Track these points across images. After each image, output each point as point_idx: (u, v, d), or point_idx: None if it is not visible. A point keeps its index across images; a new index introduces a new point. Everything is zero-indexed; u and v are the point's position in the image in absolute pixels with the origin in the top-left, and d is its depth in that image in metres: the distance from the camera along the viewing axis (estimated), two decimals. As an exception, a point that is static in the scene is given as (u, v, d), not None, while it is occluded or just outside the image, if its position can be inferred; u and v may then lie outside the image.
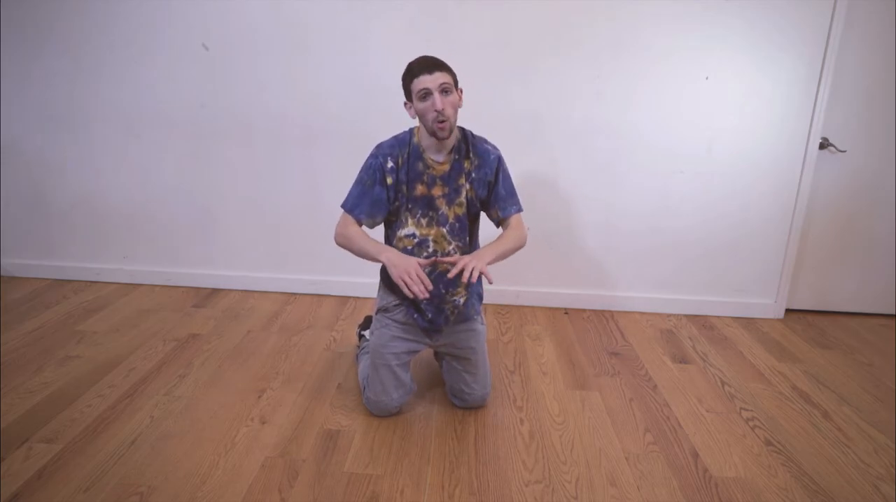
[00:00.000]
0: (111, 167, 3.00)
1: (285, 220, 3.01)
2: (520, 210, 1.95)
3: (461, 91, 1.81)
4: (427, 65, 1.72)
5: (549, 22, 2.66)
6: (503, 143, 2.78)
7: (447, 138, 1.78)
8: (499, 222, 1.95)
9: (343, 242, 1.86)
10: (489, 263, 1.76)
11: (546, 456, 1.83)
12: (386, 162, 1.83)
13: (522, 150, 2.83)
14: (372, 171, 1.84)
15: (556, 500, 1.64)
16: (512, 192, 1.93)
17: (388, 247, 1.81)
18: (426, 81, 1.71)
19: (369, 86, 2.78)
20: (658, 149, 2.81)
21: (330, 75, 2.78)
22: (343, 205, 1.88)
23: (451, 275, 1.71)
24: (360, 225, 1.88)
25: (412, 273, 1.70)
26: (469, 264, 1.70)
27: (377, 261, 1.80)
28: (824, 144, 2.82)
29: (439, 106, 1.70)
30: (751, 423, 2.05)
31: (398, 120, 2.71)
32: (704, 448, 1.90)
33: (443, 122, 1.73)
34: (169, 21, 2.76)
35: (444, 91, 1.72)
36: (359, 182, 1.86)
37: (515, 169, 2.85)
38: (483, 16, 2.66)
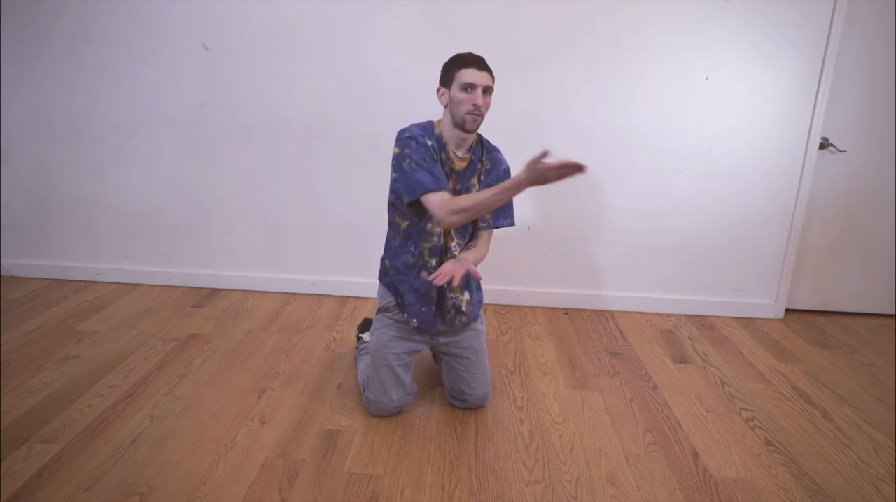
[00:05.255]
0: (111, 167, 3.00)
1: (285, 220, 3.01)
2: (512, 224, 2.00)
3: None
4: (479, 60, 1.77)
5: (549, 22, 2.66)
6: (503, 143, 2.78)
7: (473, 132, 1.81)
8: (481, 228, 1.96)
9: (464, 216, 1.66)
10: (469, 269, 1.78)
11: (546, 456, 1.83)
12: (426, 140, 1.77)
13: (522, 150, 2.83)
14: (425, 149, 1.75)
15: (556, 500, 1.64)
16: (510, 205, 1.97)
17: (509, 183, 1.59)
18: (475, 76, 1.74)
19: (369, 86, 2.78)
20: (658, 149, 2.81)
21: (330, 75, 2.78)
22: (421, 191, 1.71)
23: (436, 281, 1.69)
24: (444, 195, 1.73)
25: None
26: (451, 270, 1.71)
27: (517, 191, 1.56)
28: (824, 144, 2.82)
29: (479, 101, 1.74)
30: (751, 423, 2.05)
31: (398, 120, 2.71)
32: (704, 448, 1.90)
33: (477, 115, 1.77)
34: (169, 21, 2.76)
35: (486, 92, 1.77)
36: (419, 162, 1.73)
37: (515, 169, 2.84)
38: (483, 16, 2.66)
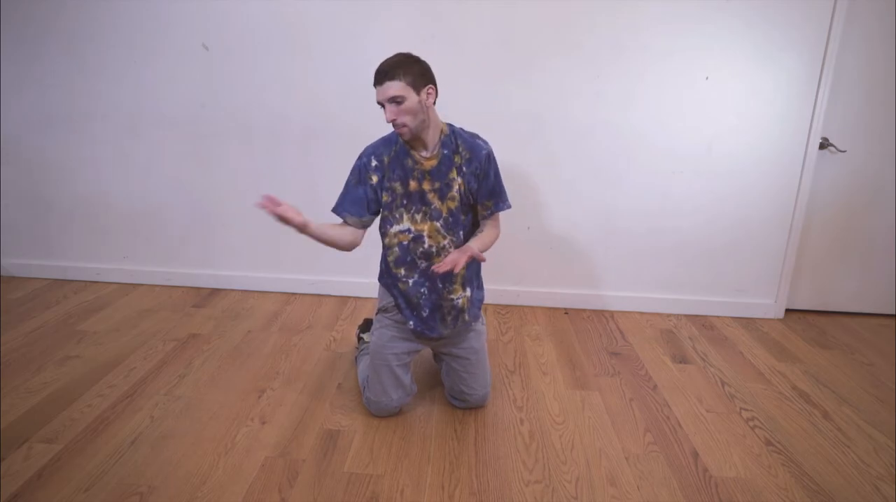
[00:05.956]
0: (111, 167, 3.00)
1: (285, 220, 3.01)
2: (509, 207, 1.98)
3: (431, 88, 1.77)
4: (379, 75, 1.72)
5: (549, 22, 2.66)
6: (503, 143, 2.79)
7: (408, 139, 1.81)
8: (485, 216, 1.96)
9: None
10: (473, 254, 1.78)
11: (546, 456, 1.83)
12: (370, 161, 1.86)
13: (522, 150, 2.83)
14: (356, 172, 1.89)
15: (556, 500, 1.64)
16: (502, 188, 1.95)
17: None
18: (378, 94, 1.73)
19: (369, 86, 2.78)
20: (658, 149, 2.81)
21: (330, 75, 2.78)
22: (334, 206, 1.93)
23: (438, 270, 1.70)
24: (346, 223, 1.90)
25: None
26: (454, 259, 1.72)
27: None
28: (824, 144, 2.82)
29: (389, 117, 1.73)
30: (751, 423, 2.05)
31: (398, 120, 2.71)
32: (704, 448, 1.90)
33: (399, 128, 1.76)
34: (169, 21, 2.76)
35: (395, 102, 1.71)
36: (346, 183, 1.91)
37: (515, 169, 2.85)
38: (483, 15, 2.66)
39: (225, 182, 2.97)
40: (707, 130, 2.78)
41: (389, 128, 2.75)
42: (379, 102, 1.75)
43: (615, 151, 2.82)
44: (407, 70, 1.71)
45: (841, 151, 2.84)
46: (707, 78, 2.71)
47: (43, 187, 3.06)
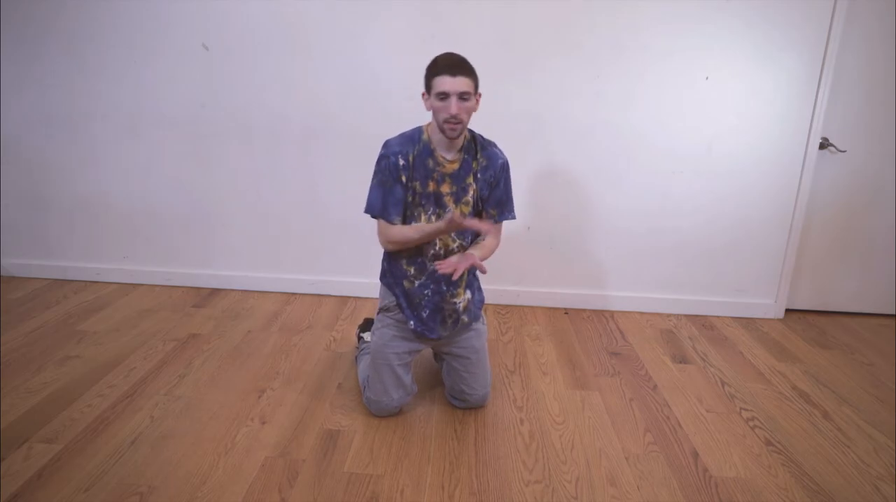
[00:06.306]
0: (111, 167, 3.00)
1: (285, 220, 3.01)
2: (514, 217, 1.99)
3: (479, 96, 1.80)
4: (451, 65, 1.70)
5: (549, 22, 2.66)
6: (503, 143, 2.76)
7: (456, 138, 1.79)
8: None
9: (396, 247, 1.87)
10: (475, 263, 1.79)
11: (546, 456, 1.83)
12: (398, 160, 1.82)
13: (522, 150, 2.83)
14: (388, 171, 1.83)
15: (556, 500, 1.64)
16: (510, 199, 1.97)
17: (429, 224, 1.82)
18: (446, 84, 1.70)
19: (369, 86, 2.78)
20: (658, 149, 2.81)
21: (330, 75, 2.78)
22: (370, 212, 1.87)
23: (439, 268, 1.72)
24: (393, 223, 1.87)
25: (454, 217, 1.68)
26: (454, 264, 1.74)
27: (439, 234, 1.79)
28: (824, 144, 2.82)
29: (454, 111, 1.71)
30: (751, 423, 2.05)
31: (398, 120, 2.71)
32: (704, 448, 1.90)
33: (455, 124, 1.74)
34: (169, 21, 2.76)
35: (462, 98, 1.71)
36: (379, 184, 1.85)
37: (516, 169, 2.84)
38: (483, 16, 2.66)
39: (225, 182, 2.97)
40: (707, 130, 2.78)
41: (389, 129, 2.75)
42: (442, 93, 1.71)
43: (615, 151, 2.82)
44: (474, 71, 1.75)
45: (841, 151, 2.85)
46: (707, 78, 2.71)
47: (43, 187, 3.06)
